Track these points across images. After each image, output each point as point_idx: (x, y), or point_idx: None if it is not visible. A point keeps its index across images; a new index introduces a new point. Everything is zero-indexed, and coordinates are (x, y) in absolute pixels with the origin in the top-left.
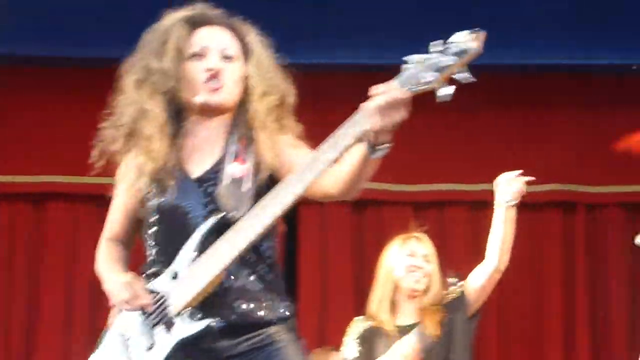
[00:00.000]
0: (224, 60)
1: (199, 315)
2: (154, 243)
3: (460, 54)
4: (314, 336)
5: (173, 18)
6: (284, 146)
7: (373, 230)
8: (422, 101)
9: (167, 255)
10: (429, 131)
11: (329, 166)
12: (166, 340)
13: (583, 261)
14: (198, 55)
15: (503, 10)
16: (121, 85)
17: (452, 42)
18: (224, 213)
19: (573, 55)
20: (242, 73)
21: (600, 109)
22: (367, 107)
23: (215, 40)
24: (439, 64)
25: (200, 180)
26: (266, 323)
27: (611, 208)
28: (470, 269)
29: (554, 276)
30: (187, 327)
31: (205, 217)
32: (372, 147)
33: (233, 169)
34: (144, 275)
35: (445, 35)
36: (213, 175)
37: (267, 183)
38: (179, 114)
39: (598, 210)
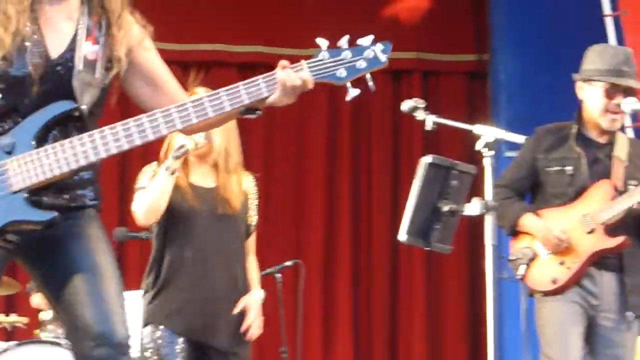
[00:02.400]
0: None
1: (35, 200)
2: None
3: (373, 63)
4: None
5: None
6: (136, 44)
7: None
8: None
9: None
10: None
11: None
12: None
13: (347, 126)
14: None
15: None
16: None
17: (365, 47)
18: (74, 105)
19: None
20: None
21: None
22: (275, 79)
23: None
24: (353, 65)
25: (58, 62)
26: (82, 207)
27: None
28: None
29: (318, 140)
30: (29, 212)
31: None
32: (247, 110)
33: (86, 49)
34: None
35: None
36: (69, 55)
37: (115, 78)
38: None
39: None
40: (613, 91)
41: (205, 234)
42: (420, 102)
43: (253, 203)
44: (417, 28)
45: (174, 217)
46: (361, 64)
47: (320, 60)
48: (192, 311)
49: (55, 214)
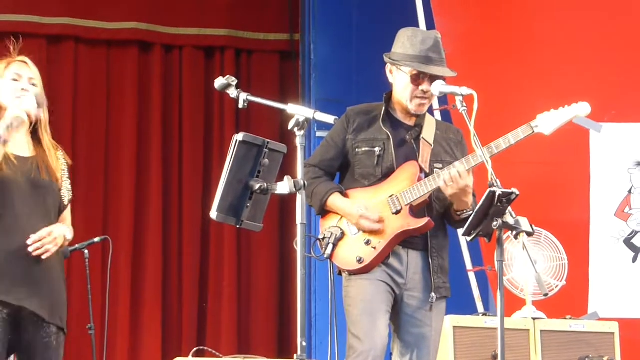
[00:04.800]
0: None
1: None
2: None
3: None
4: None
5: None
6: None
7: None
8: None
9: None
10: None
11: None
12: None
13: (158, 103)
14: None
15: None
16: None
17: None
18: None
19: None
20: None
21: None
22: None
23: None
24: None
25: None
26: None
27: (187, 50)
28: None
29: (128, 115)
30: None
31: None
32: None
33: None
34: None
35: None
36: None
37: None
38: None
39: (175, 51)
40: (420, 78)
41: (20, 200)
42: (232, 80)
43: (65, 178)
44: (229, 5)
45: None
46: None
47: None
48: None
49: None
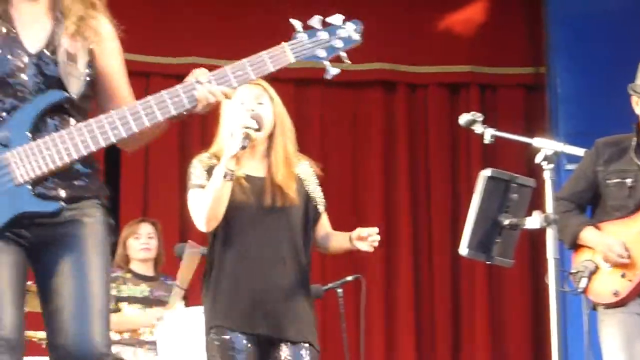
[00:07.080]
0: None
1: (39, 193)
2: None
3: (348, 41)
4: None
5: None
6: (109, 51)
7: None
8: None
9: None
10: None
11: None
12: (5, 208)
13: (405, 141)
14: None
15: None
16: None
17: (338, 27)
18: (65, 95)
19: None
20: None
21: None
22: (193, 94)
23: None
24: (332, 45)
25: (37, 56)
26: (82, 197)
27: (432, 88)
28: None
29: (375, 154)
30: (36, 204)
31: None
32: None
33: (66, 43)
34: None
35: None
36: (49, 51)
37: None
38: None
39: (419, 89)
40: None
41: (249, 229)
42: (477, 116)
43: (313, 188)
44: (471, 41)
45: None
46: (338, 43)
47: (300, 42)
48: (239, 307)
49: (61, 204)
